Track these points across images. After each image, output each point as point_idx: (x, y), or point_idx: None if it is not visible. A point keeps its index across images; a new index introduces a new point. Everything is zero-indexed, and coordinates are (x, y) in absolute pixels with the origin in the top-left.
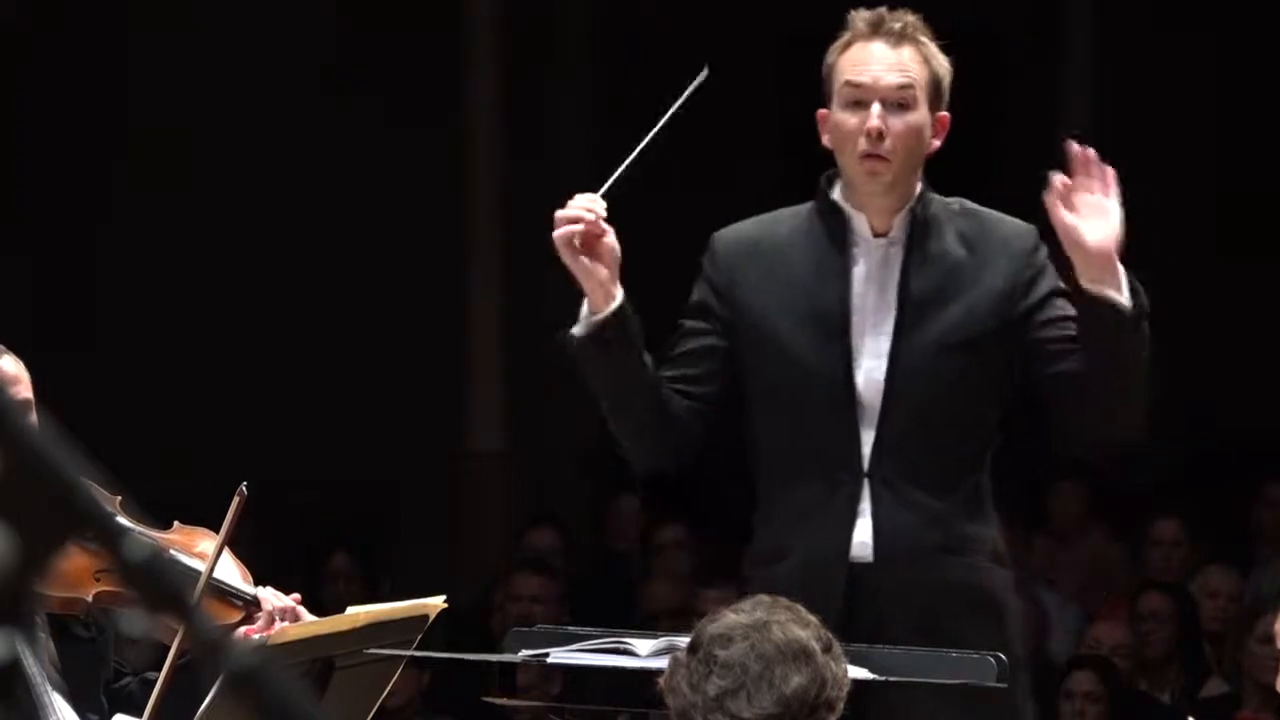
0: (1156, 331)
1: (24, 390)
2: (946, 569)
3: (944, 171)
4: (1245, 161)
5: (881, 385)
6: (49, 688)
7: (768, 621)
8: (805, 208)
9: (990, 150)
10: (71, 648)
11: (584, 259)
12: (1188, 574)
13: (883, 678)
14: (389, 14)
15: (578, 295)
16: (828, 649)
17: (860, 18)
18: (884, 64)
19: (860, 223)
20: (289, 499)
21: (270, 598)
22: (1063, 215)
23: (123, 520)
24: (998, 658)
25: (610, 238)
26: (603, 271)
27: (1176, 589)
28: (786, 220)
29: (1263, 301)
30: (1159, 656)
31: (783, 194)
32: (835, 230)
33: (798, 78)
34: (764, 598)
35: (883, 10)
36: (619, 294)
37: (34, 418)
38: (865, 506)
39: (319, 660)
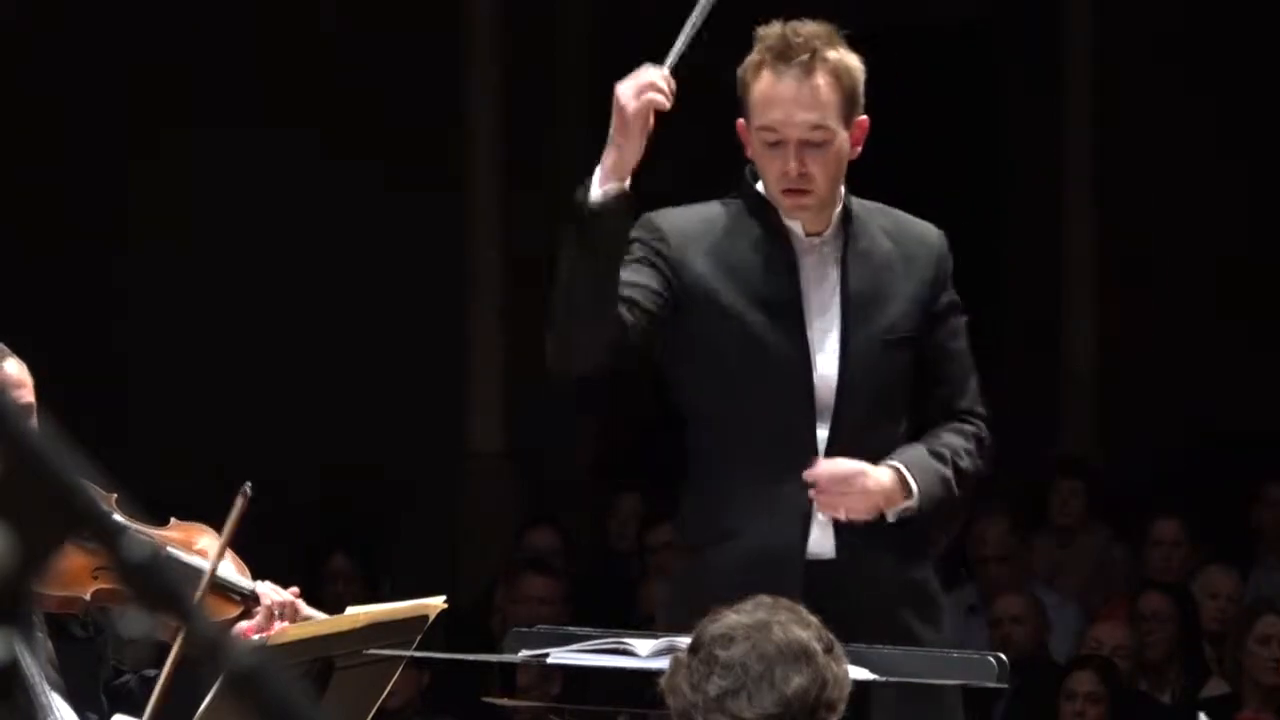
0: (1159, 331)
1: (27, 394)
2: (902, 564)
3: (946, 176)
4: (1245, 164)
5: (834, 380)
6: (47, 687)
7: (769, 622)
8: (732, 201)
9: (995, 149)
10: (70, 647)
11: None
12: (1188, 574)
13: (883, 678)
14: (389, 14)
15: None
16: (829, 649)
17: (767, 43)
18: (796, 104)
19: (794, 222)
20: (289, 499)
21: (269, 592)
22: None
23: (120, 519)
24: (998, 658)
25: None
26: (641, 146)
27: (1177, 589)
28: (717, 211)
29: (1264, 299)
30: (1160, 657)
31: None
32: (771, 226)
33: None
34: (765, 598)
35: (786, 32)
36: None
37: (35, 421)
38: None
39: (319, 660)
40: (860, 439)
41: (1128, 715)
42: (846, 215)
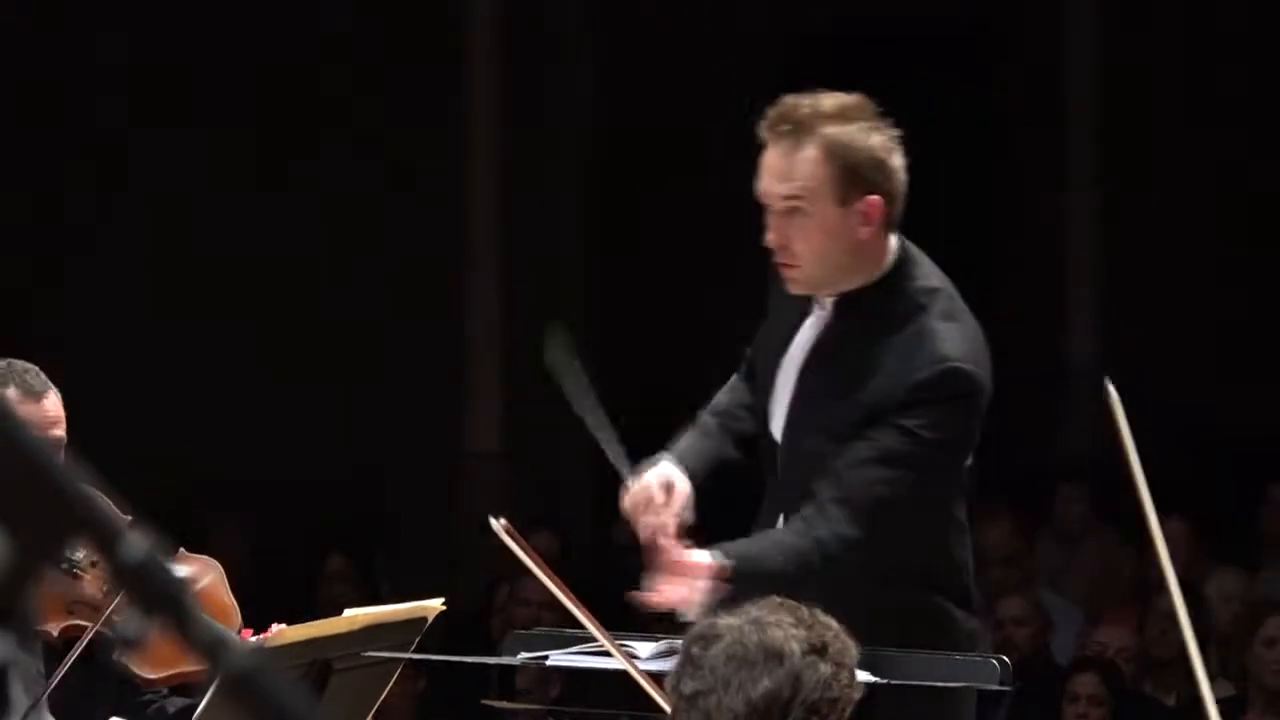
0: (1160, 330)
1: (59, 431)
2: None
3: (947, 175)
4: (1246, 171)
5: (779, 441)
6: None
7: (751, 623)
8: None
9: (996, 149)
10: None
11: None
12: (1199, 575)
13: (884, 680)
14: (389, 13)
15: (576, 291)
16: (815, 650)
17: (769, 112)
18: (773, 174)
19: None
20: (287, 499)
21: None
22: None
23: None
24: (1001, 660)
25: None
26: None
27: (1191, 590)
28: None
29: (1268, 296)
30: (1172, 656)
31: None
32: None
33: (797, 77)
34: (773, 599)
35: (787, 103)
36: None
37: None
38: None
39: (317, 662)
40: (796, 505)
41: (1130, 717)
42: (845, 300)
